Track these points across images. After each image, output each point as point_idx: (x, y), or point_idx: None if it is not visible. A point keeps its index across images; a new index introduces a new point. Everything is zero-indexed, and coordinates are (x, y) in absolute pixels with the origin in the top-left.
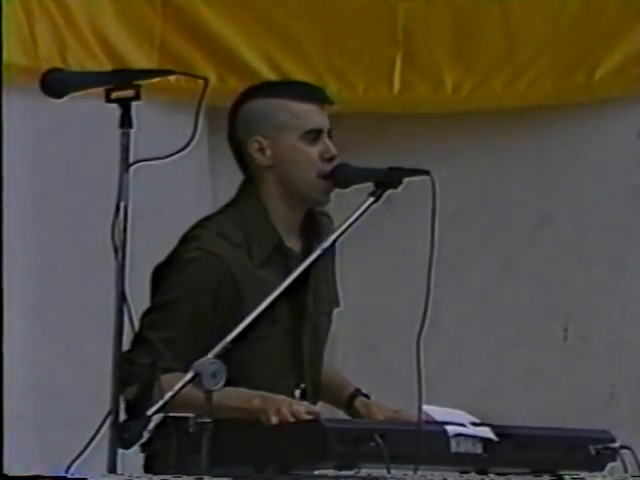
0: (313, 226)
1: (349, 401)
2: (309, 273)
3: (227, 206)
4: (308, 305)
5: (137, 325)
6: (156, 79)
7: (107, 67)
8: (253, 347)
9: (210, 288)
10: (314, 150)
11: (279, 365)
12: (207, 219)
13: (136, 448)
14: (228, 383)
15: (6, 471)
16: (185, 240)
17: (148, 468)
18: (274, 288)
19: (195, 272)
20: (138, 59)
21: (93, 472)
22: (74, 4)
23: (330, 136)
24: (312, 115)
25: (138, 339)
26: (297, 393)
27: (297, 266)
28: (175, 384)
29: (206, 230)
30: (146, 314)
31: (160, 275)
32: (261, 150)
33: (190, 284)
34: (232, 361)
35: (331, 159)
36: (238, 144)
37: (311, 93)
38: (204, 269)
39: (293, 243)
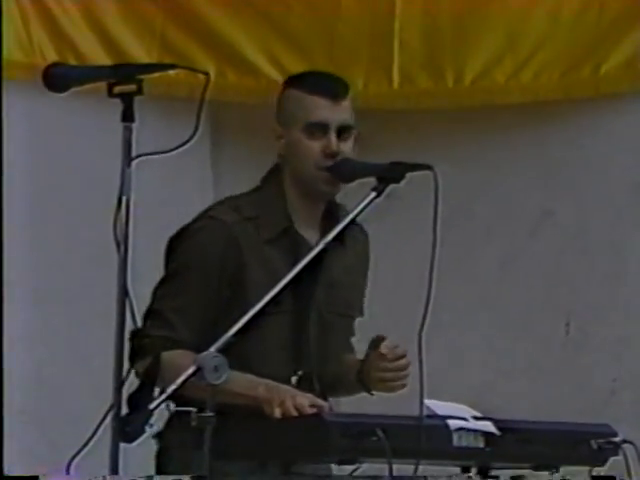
0: (332, 222)
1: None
2: (321, 266)
3: (253, 189)
4: (316, 296)
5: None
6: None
7: (107, 61)
8: (254, 324)
9: (216, 253)
10: (316, 144)
11: (278, 347)
12: (229, 198)
13: (139, 442)
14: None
15: (6, 470)
16: (200, 213)
17: (159, 463)
18: (278, 267)
19: (202, 238)
20: (138, 53)
21: None
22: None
23: (345, 133)
24: (318, 108)
25: (150, 312)
26: (294, 379)
27: (307, 255)
28: (180, 366)
29: (221, 204)
30: (158, 287)
31: (171, 246)
32: (279, 138)
33: (197, 250)
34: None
35: (333, 155)
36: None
37: (322, 86)
38: (210, 234)
39: (309, 234)
